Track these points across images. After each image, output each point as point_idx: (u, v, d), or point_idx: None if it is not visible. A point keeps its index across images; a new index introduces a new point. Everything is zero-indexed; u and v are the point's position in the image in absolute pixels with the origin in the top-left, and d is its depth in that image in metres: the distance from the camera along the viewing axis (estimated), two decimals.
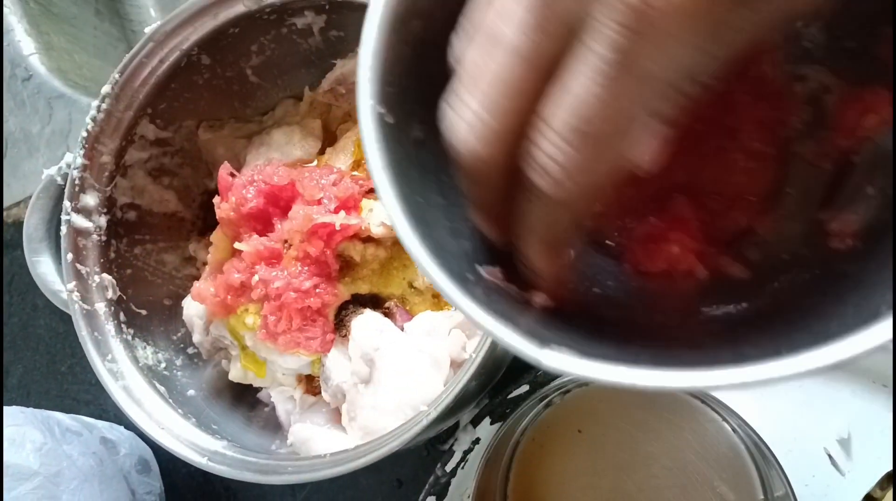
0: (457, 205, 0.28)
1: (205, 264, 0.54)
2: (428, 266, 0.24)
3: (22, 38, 0.70)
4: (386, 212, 0.24)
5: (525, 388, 0.50)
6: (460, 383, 0.38)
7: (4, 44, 0.70)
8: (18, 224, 0.68)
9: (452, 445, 0.51)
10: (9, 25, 0.70)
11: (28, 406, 0.56)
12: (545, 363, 0.23)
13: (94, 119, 0.47)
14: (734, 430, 0.48)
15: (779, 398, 0.50)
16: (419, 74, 0.27)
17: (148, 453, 0.59)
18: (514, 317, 0.25)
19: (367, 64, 0.26)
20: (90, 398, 0.62)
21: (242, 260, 0.46)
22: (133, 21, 0.92)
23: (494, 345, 0.39)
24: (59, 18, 0.76)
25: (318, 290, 0.44)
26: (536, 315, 0.28)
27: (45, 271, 0.49)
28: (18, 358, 0.66)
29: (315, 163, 0.51)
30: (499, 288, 0.28)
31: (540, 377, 0.50)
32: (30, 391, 0.65)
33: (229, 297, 0.47)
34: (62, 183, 0.48)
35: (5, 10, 0.71)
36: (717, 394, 0.49)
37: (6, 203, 0.70)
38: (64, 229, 0.46)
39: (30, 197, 0.69)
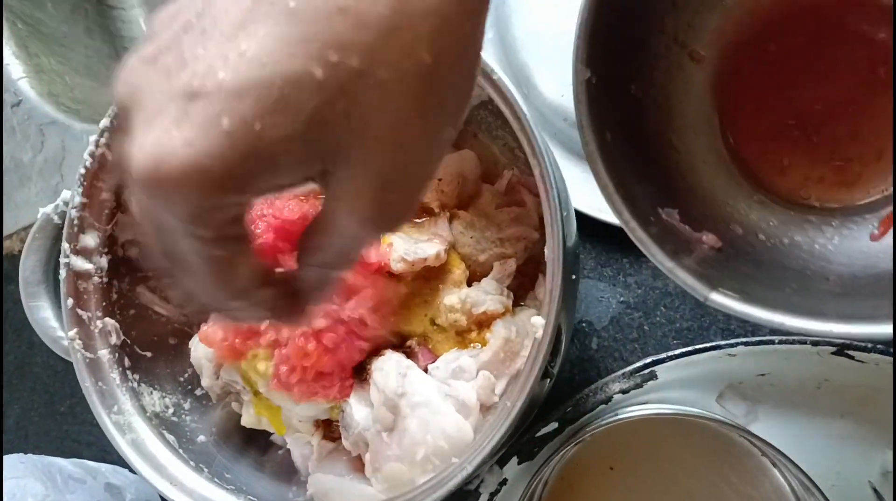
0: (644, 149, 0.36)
1: None
2: (621, 211, 0.32)
3: (10, 62, 0.67)
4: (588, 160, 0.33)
5: (554, 425, 0.48)
6: (497, 435, 0.36)
7: None
8: (11, 257, 0.65)
9: (478, 486, 0.49)
10: None
11: (27, 449, 0.54)
12: (713, 302, 0.30)
13: (92, 155, 0.44)
14: (774, 464, 0.46)
15: (820, 431, 0.47)
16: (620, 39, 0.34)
17: (155, 498, 0.56)
18: (682, 256, 0.31)
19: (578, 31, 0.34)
20: (92, 440, 0.59)
21: None
22: (124, 38, 0.89)
23: (533, 391, 0.37)
24: (48, 38, 0.73)
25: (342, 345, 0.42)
26: (703, 254, 0.34)
27: (45, 316, 0.46)
28: (15, 398, 0.63)
29: None
30: (674, 228, 0.34)
31: (569, 414, 0.48)
32: (28, 432, 0.62)
33: (238, 341, 0.44)
34: (59, 222, 0.45)
35: None
36: (758, 427, 0.47)
37: None
38: (63, 272, 0.44)
39: (23, 229, 0.66)
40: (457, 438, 0.40)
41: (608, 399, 0.48)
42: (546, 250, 0.37)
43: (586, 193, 0.51)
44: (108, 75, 0.67)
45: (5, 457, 0.49)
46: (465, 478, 0.36)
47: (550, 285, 0.36)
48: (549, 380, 0.40)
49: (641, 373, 0.48)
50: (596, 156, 0.35)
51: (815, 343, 0.45)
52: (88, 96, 0.72)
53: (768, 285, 0.34)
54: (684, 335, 0.50)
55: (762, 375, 0.48)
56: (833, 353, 0.45)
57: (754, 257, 0.37)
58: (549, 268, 0.37)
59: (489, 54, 0.55)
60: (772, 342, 0.46)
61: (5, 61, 0.67)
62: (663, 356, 0.47)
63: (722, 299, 0.31)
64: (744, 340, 0.46)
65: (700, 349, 0.47)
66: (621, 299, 0.52)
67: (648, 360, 0.47)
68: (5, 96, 0.67)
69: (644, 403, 0.48)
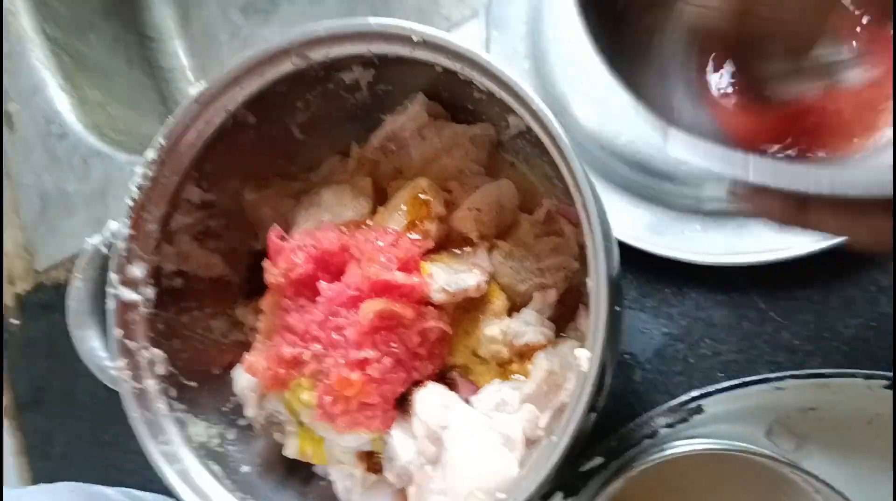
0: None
1: (252, 328, 0.51)
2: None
3: (56, 94, 0.69)
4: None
5: (599, 460, 0.47)
6: (544, 471, 0.35)
7: (38, 99, 0.69)
8: (58, 287, 0.66)
9: None
10: (42, 80, 0.69)
11: (72, 477, 0.54)
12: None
13: (139, 187, 0.45)
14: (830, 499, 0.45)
15: (872, 467, 0.46)
16: None
17: None
18: None
19: None
20: (135, 468, 0.60)
21: (294, 332, 0.44)
22: (164, 69, 0.91)
23: (581, 423, 0.36)
24: (91, 71, 0.75)
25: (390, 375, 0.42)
26: None
27: (93, 346, 0.46)
28: (61, 426, 0.64)
29: (368, 223, 0.49)
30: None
31: (614, 449, 0.47)
32: (73, 461, 0.63)
33: (281, 370, 0.44)
34: (106, 252, 0.46)
35: (37, 63, 0.70)
36: (808, 462, 0.46)
37: (45, 265, 0.68)
38: (111, 303, 0.44)
39: (68, 259, 0.68)
40: (502, 473, 0.39)
41: (653, 434, 0.47)
42: (589, 282, 0.37)
43: (626, 222, 0.51)
44: (149, 107, 0.68)
45: (52, 485, 0.49)
46: None
47: (595, 317, 0.36)
48: (595, 414, 0.39)
49: (687, 407, 0.47)
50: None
51: (866, 377, 0.44)
52: (130, 127, 0.74)
53: None
54: (731, 367, 0.49)
55: (812, 409, 0.46)
56: (885, 387, 0.44)
57: None
58: (592, 300, 0.36)
59: (526, 85, 0.56)
60: (822, 376, 0.45)
61: (51, 94, 0.69)
62: (710, 389, 0.46)
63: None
64: (792, 373, 0.45)
65: (747, 382, 0.46)
66: (665, 330, 0.51)
67: (694, 393, 0.47)
68: (51, 128, 0.68)
69: (691, 437, 0.47)
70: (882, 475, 0.46)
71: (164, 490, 0.44)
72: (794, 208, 0.32)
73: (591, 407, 0.37)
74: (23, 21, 0.71)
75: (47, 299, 0.67)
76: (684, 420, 0.47)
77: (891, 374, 0.44)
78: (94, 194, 0.65)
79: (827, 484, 0.42)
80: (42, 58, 0.70)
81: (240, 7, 0.93)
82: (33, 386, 0.67)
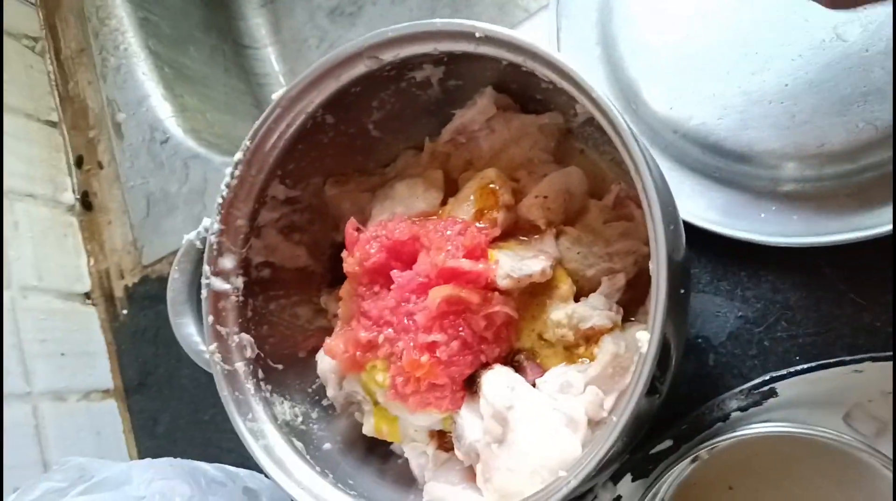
0: None
1: (335, 315, 0.54)
2: None
3: (158, 104, 0.75)
4: None
5: (668, 443, 0.47)
6: (601, 450, 0.36)
7: (143, 109, 0.75)
8: (161, 280, 0.72)
9: None
10: (147, 91, 0.75)
11: (175, 454, 0.59)
12: None
13: (228, 186, 0.48)
14: None
15: None
16: None
17: None
18: None
19: None
20: (232, 446, 0.64)
21: (369, 317, 0.46)
22: (258, 75, 0.96)
23: (639, 406, 0.37)
24: (191, 80, 0.80)
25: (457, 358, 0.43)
26: None
27: (189, 331, 0.51)
28: (165, 407, 0.70)
29: (440, 213, 0.51)
30: None
31: (685, 432, 0.47)
32: (176, 439, 0.69)
33: (358, 353, 0.47)
34: (201, 246, 0.50)
35: (143, 76, 0.76)
36: (887, 449, 0.44)
37: (150, 259, 0.74)
38: (204, 292, 0.48)
39: (171, 253, 0.73)
40: (565, 452, 0.40)
41: (726, 417, 0.47)
42: (650, 265, 0.37)
43: (700, 205, 0.51)
44: (245, 110, 0.72)
45: (157, 460, 0.54)
46: (570, 492, 0.36)
47: (655, 299, 0.36)
48: (657, 396, 0.39)
49: (760, 390, 0.46)
50: None
51: None
52: (227, 131, 0.79)
53: None
54: (808, 350, 0.48)
55: (893, 392, 0.45)
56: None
57: None
58: (653, 282, 0.37)
59: (597, 72, 0.56)
60: None
61: (154, 103, 0.75)
62: (783, 372, 0.46)
63: None
64: (871, 355, 0.44)
65: (823, 364, 0.45)
66: (739, 313, 0.50)
67: (767, 376, 0.46)
68: (155, 134, 0.74)
69: (765, 421, 0.47)
70: None
71: (257, 467, 0.47)
72: None
73: (653, 389, 0.38)
74: (129, 38, 0.78)
75: (153, 291, 0.73)
76: (758, 403, 0.46)
77: None
78: (192, 193, 0.71)
79: None
80: (147, 71, 0.76)
81: (326, 12, 0.97)
82: (140, 371, 0.74)
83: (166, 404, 0.71)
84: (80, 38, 0.83)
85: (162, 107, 0.75)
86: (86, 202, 0.80)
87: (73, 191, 0.81)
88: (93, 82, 0.81)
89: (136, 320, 0.75)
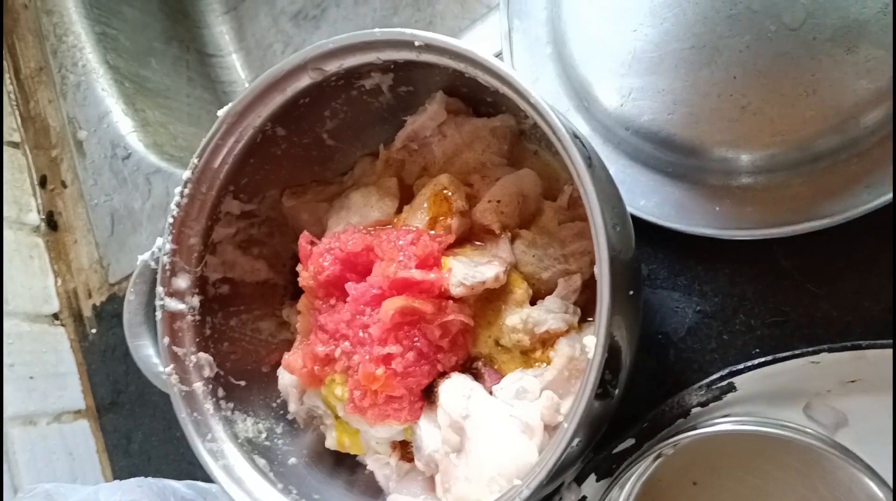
0: None
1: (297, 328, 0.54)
2: None
3: (120, 119, 0.74)
4: None
5: (631, 441, 0.47)
6: (553, 457, 0.36)
7: (104, 125, 0.75)
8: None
9: None
10: (107, 107, 0.75)
11: (149, 471, 0.59)
12: None
13: (178, 205, 0.48)
14: (872, 478, 0.44)
15: None
16: None
17: None
18: None
19: None
20: None
21: (326, 331, 0.46)
22: (224, 82, 0.96)
23: (589, 409, 0.37)
24: (153, 93, 0.80)
25: (411, 368, 0.43)
26: None
27: (148, 353, 0.50)
28: (138, 425, 0.70)
29: (395, 221, 0.51)
30: None
31: (646, 429, 0.47)
32: (150, 457, 0.68)
33: (316, 367, 0.47)
34: (156, 267, 0.50)
35: (102, 92, 0.75)
36: (850, 436, 0.44)
37: (117, 277, 0.74)
38: (159, 314, 0.48)
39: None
40: (521, 459, 0.40)
41: (686, 413, 0.47)
42: (594, 269, 0.37)
43: (655, 202, 0.51)
44: (210, 120, 0.72)
45: (125, 481, 0.54)
46: (524, 499, 0.36)
47: (600, 303, 0.36)
48: (610, 399, 0.39)
49: (719, 385, 0.46)
50: None
51: None
52: (191, 143, 0.79)
53: None
54: (766, 342, 0.48)
55: (852, 381, 0.45)
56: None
57: None
58: (598, 286, 0.37)
59: (548, 70, 0.56)
60: (859, 347, 0.44)
61: (115, 119, 0.74)
62: (740, 366, 0.46)
63: None
64: (828, 346, 0.44)
65: (780, 357, 0.45)
66: (698, 308, 0.50)
67: (725, 371, 0.46)
68: (117, 151, 0.74)
69: (725, 416, 0.47)
70: None
71: None
72: None
73: (604, 393, 0.38)
74: (87, 54, 0.77)
75: (121, 309, 0.72)
76: (717, 398, 0.46)
77: None
78: (156, 208, 0.70)
79: (863, 462, 0.41)
80: (106, 87, 0.76)
81: (290, 17, 0.96)
82: (112, 390, 0.73)
83: (139, 422, 0.70)
84: (38, 57, 0.82)
85: (123, 122, 0.74)
86: (51, 222, 0.79)
87: (38, 211, 0.80)
88: (53, 101, 0.80)
89: (106, 338, 0.75)
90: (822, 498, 0.45)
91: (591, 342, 0.38)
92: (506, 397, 0.43)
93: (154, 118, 0.77)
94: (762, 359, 0.45)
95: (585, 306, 0.47)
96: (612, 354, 0.37)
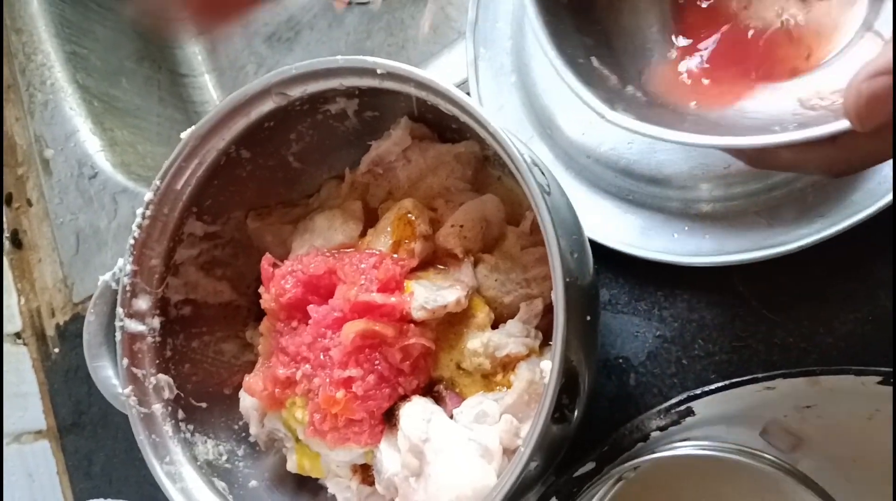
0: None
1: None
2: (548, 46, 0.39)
3: (87, 138, 0.74)
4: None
5: (591, 465, 0.48)
6: (509, 481, 0.36)
7: (71, 144, 0.74)
8: None
9: None
10: (74, 126, 0.74)
11: (110, 494, 0.58)
12: (609, 118, 0.37)
13: (140, 226, 0.48)
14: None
15: (875, 463, 0.45)
16: None
17: None
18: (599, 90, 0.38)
19: None
20: None
21: (287, 354, 0.46)
22: (196, 103, 0.96)
23: (545, 433, 0.37)
24: (122, 112, 0.80)
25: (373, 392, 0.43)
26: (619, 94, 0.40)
27: (107, 375, 0.50)
28: (100, 447, 0.69)
29: (359, 245, 0.51)
30: (602, 74, 0.41)
31: (607, 453, 0.48)
32: (112, 478, 0.67)
33: (277, 390, 0.47)
34: (116, 288, 0.49)
35: (70, 111, 0.75)
36: (806, 460, 0.45)
37: (81, 297, 0.73)
38: (119, 335, 0.48)
39: None
40: (479, 483, 0.40)
41: (646, 437, 0.48)
42: (552, 295, 0.38)
43: (616, 228, 0.52)
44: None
45: None
46: None
47: (556, 327, 0.37)
48: (568, 424, 0.40)
49: (678, 409, 0.47)
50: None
51: (857, 373, 0.43)
52: (160, 163, 0.78)
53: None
54: (724, 368, 0.49)
55: (808, 407, 0.46)
56: (879, 382, 0.43)
57: (672, 110, 0.41)
58: (555, 311, 0.37)
59: (513, 98, 0.57)
60: (813, 373, 0.45)
61: (83, 138, 0.74)
62: (698, 391, 0.46)
63: (620, 117, 0.36)
64: (783, 372, 0.45)
65: (736, 382, 0.46)
66: (658, 333, 0.51)
67: (683, 396, 0.47)
68: (83, 170, 0.73)
69: (684, 440, 0.47)
70: (882, 473, 0.45)
71: None
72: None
73: (561, 417, 0.38)
74: (56, 73, 0.77)
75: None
76: (676, 423, 0.47)
77: (887, 369, 0.43)
78: (122, 228, 0.70)
79: (817, 486, 0.42)
80: (75, 106, 0.76)
81: (263, 38, 0.97)
82: (73, 411, 0.72)
83: (101, 443, 0.69)
84: (7, 75, 0.82)
85: (90, 141, 0.74)
86: (16, 241, 0.79)
87: (3, 229, 0.79)
88: (20, 118, 0.80)
89: (69, 358, 0.74)
90: None
91: (546, 368, 0.38)
92: (466, 420, 0.43)
93: (122, 138, 0.76)
94: (719, 384, 0.46)
95: (547, 330, 0.48)
96: (568, 378, 0.38)
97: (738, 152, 0.39)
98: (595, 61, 0.42)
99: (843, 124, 0.30)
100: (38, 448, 0.72)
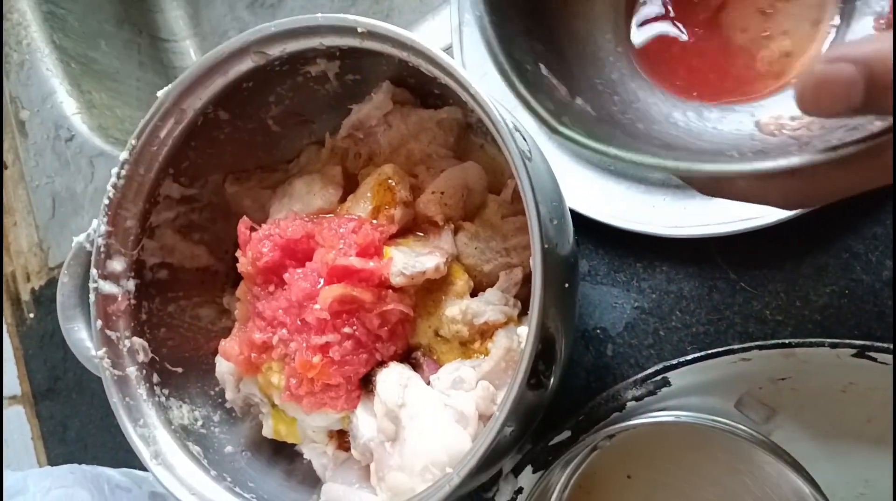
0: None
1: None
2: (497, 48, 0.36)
3: (64, 100, 0.72)
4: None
5: (567, 434, 0.48)
6: (484, 445, 0.36)
7: (48, 106, 0.73)
8: None
9: (494, 495, 0.49)
10: (51, 88, 0.73)
11: (86, 459, 0.58)
12: (561, 131, 0.34)
13: (114, 186, 0.47)
14: (797, 473, 0.45)
15: (846, 436, 0.45)
16: None
17: None
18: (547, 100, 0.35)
19: None
20: None
21: (263, 318, 0.46)
22: (177, 68, 0.94)
23: (521, 398, 0.37)
24: (100, 75, 0.78)
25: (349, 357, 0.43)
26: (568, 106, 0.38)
27: (81, 337, 0.49)
28: (75, 413, 0.68)
29: (338, 210, 0.50)
30: (550, 83, 0.38)
31: (583, 422, 0.48)
32: (87, 444, 0.67)
33: (253, 355, 0.46)
34: (91, 249, 0.49)
35: (47, 72, 0.73)
36: (780, 432, 0.46)
37: (57, 261, 0.72)
38: (92, 296, 0.47)
39: None
40: (454, 448, 0.40)
41: (622, 407, 0.48)
42: (531, 260, 0.37)
43: (596, 198, 0.51)
44: None
45: (56, 468, 0.53)
46: (455, 488, 0.36)
47: (534, 293, 0.36)
48: (544, 390, 0.40)
49: (654, 380, 0.47)
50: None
51: (832, 345, 0.44)
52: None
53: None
54: (700, 339, 0.49)
55: (782, 379, 0.46)
56: (853, 355, 0.43)
57: (623, 126, 0.39)
58: (533, 277, 0.37)
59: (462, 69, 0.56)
60: (788, 345, 0.45)
61: (59, 99, 0.72)
62: (674, 362, 0.46)
63: (568, 132, 0.34)
64: (759, 343, 0.45)
65: (713, 354, 0.46)
66: (636, 304, 0.51)
67: (659, 366, 0.47)
68: (60, 132, 0.72)
69: (661, 410, 0.47)
70: (857, 445, 0.46)
71: None
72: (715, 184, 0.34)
73: (538, 383, 0.38)
74: (33, 33, 0.75)
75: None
76: (652, 393, 0.47)
77: (861, 342, 0.43)
78: (98, 192, 0.69)
79: (790, 457, 0.42)
80: (51, 66, 0.74)
81: (246, 3, 0.95)
82: (49, 376, 0.72)
83: (76, 409, 0.69)
84: None
85: (67, 103, 0.73)
86: None
87: None
88: None
89: (44, 323, 0.73)
90: (751, 492, 0.46)
91: (523, 333, 0.38)
92: (442, 386, 0.43)
93: (100, 101, 0.75)
94: (696, 355, 0.46)
95: (526, 299, 0.48)
96: (545, 345, 0.37)
97: (688, 180, 0.37)
98: (544, 69, 0.39)
99: (807, 157, 0.27)
100: (12, 414, 0.71)
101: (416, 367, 0.46)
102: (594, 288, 0.52)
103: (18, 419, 0.71)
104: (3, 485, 0.51)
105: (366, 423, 0.44)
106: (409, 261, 0.45)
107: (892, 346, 0.42)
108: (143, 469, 0.58)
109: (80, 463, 0.57)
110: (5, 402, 0.71)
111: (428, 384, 0.44)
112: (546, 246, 0.36)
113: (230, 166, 0.54)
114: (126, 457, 0.64)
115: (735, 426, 0.44)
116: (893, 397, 0.43)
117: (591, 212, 0.50)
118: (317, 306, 0.44)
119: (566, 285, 0.40)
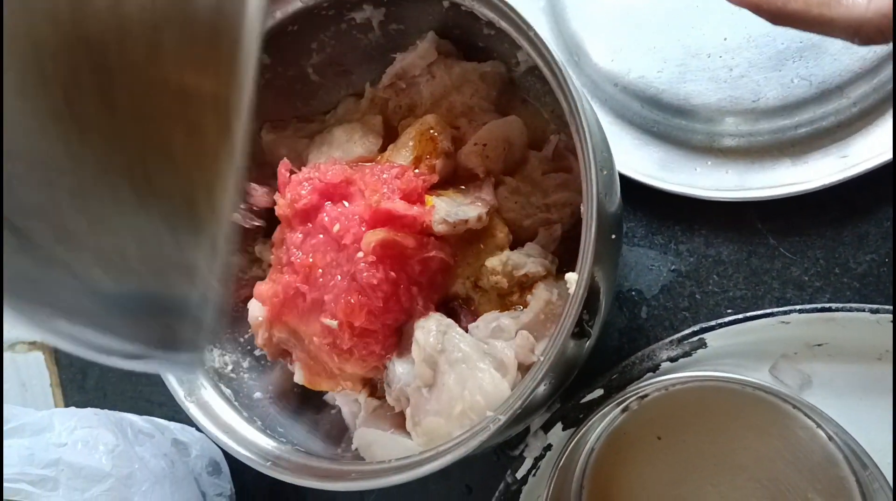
0: None
1: (270, 265, 0.53)
2: None
3: None
4: None
5: (599, 392, 0.48)
6: (530, 388, 0.36)
7: None
8: None
9: (523, 451, 0.49)
10: None
11: (104, 407, 0.57)
12: None
13: None
14: (830, 437, 0.45)
15: (880, 404, 0.45)
16: None
17: (219, 455, 0.59)
18: None
19: None
20: (163, 400, 0.63)
21: (300, 262, 0.45)
22: None
23: (565, 346, 0.37)
24: None
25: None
26: None
27: None
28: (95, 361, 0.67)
29: (378, 159, 0.50)
30: None
31: (615, 381, 0.48)
32: (106, 392, 0.67)
33: (287, 298, 0.46)
34: None
35: None
36: (813, 399, 0.45)
37: None
38: None
39: None
40: (493, 394, 0.40)
41: (656, 367, 0.48)
42: (582, 207, 0.37)
43: (638, 159, 0.51)
44: None
45: (81, 410, 0.53)
46: (497, 432, 0.36)
47: (585, 240, 0.36)
48: (586, 339, 0.39)
49: (690, 340, 0.47)
50: None
51: (873, 311, 0.44)
52: None
53: None
54: (737, 304, 0.49)
55: (819, 345, 0.46)
56: (893, 321, 0.43)
57: None
58: (584, 224, 0.37)
59: (541, 23, 0.55)
60: (828, 310, 0.45)
61: None
62: (713, 323, 0.46)
63: None
64: (798, 307, 0.45)
65: (751, 316, 0.46)
66: (672, 267, 0.51)
67: (697, 327, 0.47)
68: None
69: (694, 371, 0.47)
70: (887, 414, 0.45)
71: (189, 420, 0.46)
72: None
73: (581, 331, 0.38)
74: None
75: None
76: (687, 354, 0.47)
77: None
78: None
79: (828, 417, 0.42)
80: None
81: None
82: None
83: None
84: None
85: None
86: None
87: None
88: None
89: None
90: (782, 456, 0.45)
91: (572, 279, 0.38)
92: (481, 335, 0.43)
93: None
94: (734, 317, 0.46)
95: (563, 256, 0.47)
96: (591, 294, 0.37)
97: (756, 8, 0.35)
98: None
99: None
100: (31, 359, 0.70)
101: (452, 316, 0.46)
102: (631, 250, 0.52)
103: (38, 365, 0.71)
104: (23, 421, 0.50)
105: (402, 369, 0.44)
106: (452, 209, 0.45)
107: None
108: (165, 418, 0.59)
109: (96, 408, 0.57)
110: (25, 347, 0.71)
111: (466, 332, 0.44)
112: (599, 194, 0.36)
113: (266, 115, 0.54)
114: (146, 406, 0.64)
115: (773, 389, 0.43)
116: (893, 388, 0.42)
117: (631, 172, 0.50)
118: (359, 254, 0.43)
119: (612, 237, 0.40)
